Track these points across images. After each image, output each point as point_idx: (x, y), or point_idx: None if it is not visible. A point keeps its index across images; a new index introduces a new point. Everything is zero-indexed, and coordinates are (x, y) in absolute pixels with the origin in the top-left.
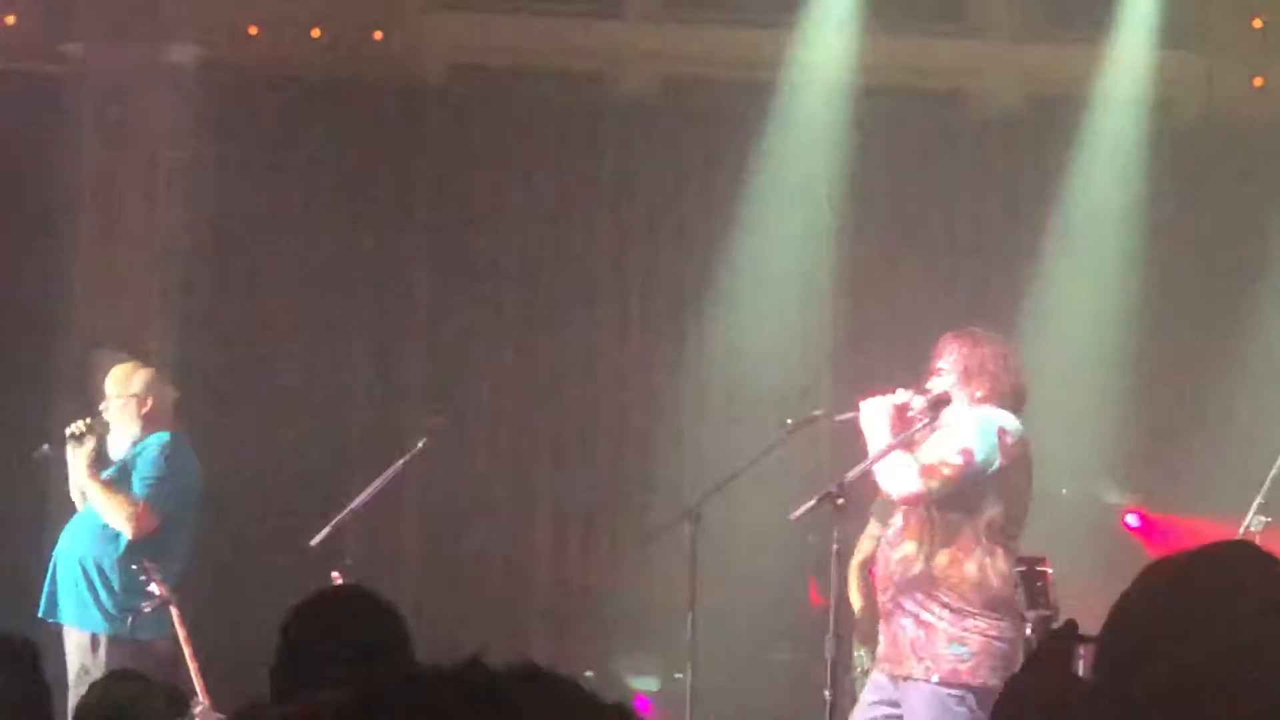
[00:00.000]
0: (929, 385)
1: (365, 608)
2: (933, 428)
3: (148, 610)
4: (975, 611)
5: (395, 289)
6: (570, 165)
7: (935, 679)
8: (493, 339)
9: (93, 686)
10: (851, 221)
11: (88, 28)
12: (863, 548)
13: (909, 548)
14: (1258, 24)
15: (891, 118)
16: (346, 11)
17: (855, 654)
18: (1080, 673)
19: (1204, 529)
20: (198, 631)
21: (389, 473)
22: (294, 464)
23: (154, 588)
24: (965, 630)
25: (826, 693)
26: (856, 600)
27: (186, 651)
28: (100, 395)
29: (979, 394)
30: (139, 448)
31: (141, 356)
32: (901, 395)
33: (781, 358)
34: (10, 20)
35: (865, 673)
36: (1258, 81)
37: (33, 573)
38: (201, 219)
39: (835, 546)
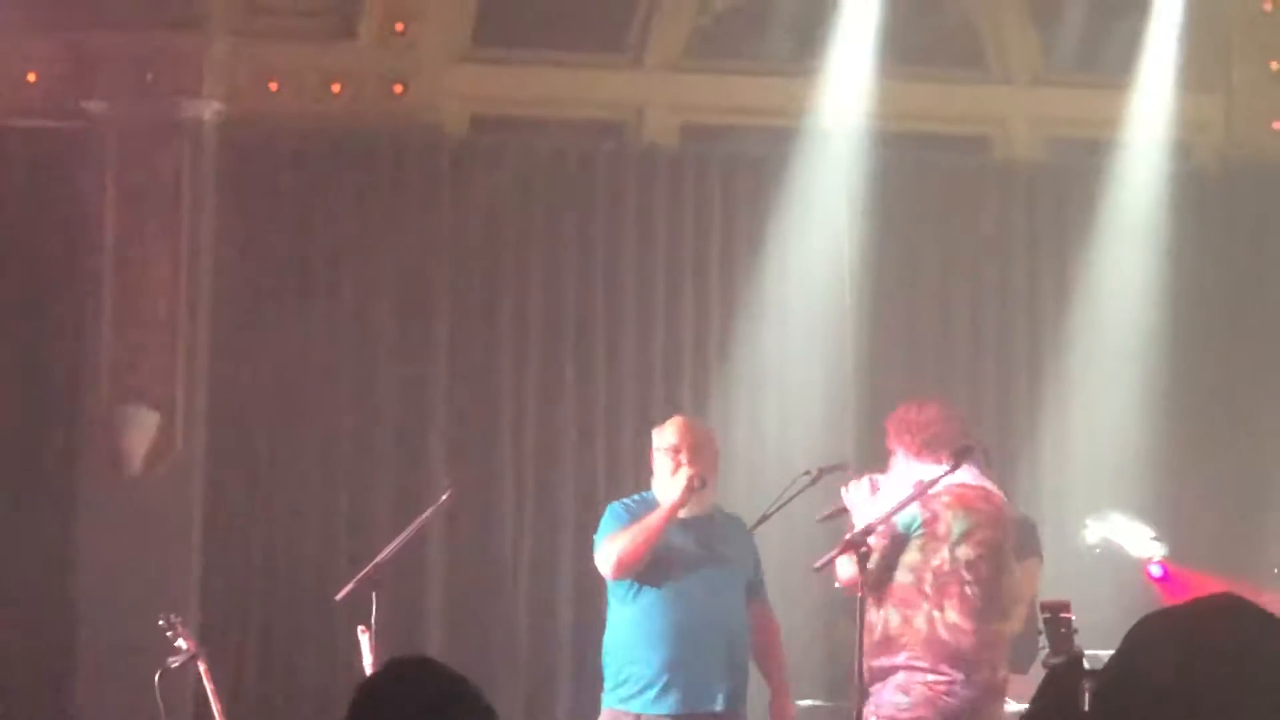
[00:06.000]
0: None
1: (424, 676)
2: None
3: (175, 666)
4: (927, 668)
5: (418, 342)
6: (592, 214)
7: None
8: (516, 392)
9: None
10: (873, 268)
11: (109, 84)
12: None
13: (871, 615)
14: (1275, 67)
15: (913, 164)
16: (367, 65)
17: None
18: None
19: (1224, 586)
20: (225, 686)
21: (413, 527)
22: (320, 518)
23: (182, 642)
24: (912, 683)
25: None
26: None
27: (215, 708)
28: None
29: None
30: (727, 517)
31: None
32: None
33: (805, 404)
34: (31, 78)
35: None
36: (1276, 124)
37: (57, 651)
38: (224, 274)
39: (860, 594)
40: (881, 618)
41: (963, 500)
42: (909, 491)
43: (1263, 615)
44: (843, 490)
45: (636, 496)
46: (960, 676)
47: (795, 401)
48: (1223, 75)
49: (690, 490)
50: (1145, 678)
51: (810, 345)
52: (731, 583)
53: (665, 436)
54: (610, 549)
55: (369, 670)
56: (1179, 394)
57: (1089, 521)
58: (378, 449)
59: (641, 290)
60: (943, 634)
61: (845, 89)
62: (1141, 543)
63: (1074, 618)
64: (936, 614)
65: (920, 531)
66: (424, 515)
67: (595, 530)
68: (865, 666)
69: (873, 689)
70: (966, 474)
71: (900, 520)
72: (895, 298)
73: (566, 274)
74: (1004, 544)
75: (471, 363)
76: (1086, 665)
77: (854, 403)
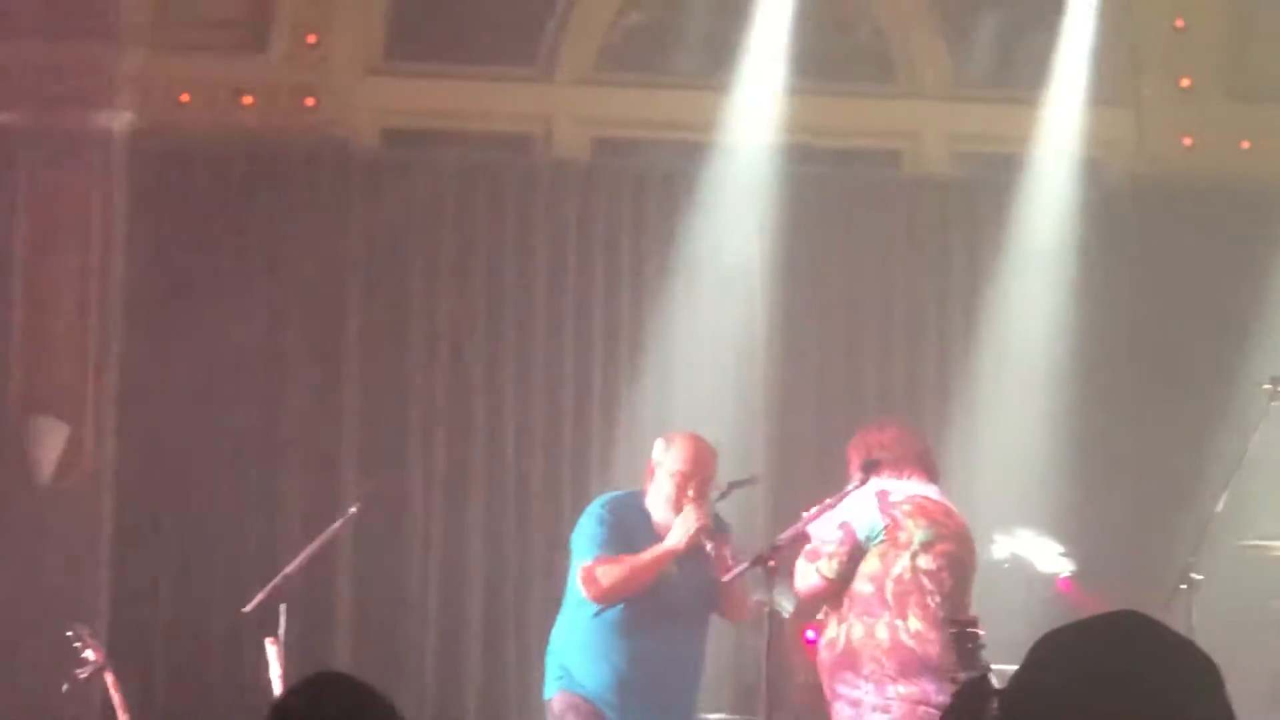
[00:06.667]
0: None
1: (346, 696)
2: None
3: (82, 677)
4: (893, 677)
5: (328, 354)
6: (502, 228)
7: None
8: (425, 405)
9: None
10: (784, 281)
11: (18, 95)
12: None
13: (832, 629)
14: (1186, 83)
15: (824, 178)
16: (278, 78)
17: None
18: None
19: (1129, 602)
20: (134, 697)
21: (322, 538)
22: (229, 530)
23: (90, 653)
24: (888, 699)
25: None
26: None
27: (123, 719)
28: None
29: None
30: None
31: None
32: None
33: (715, 419)
34: None
35: None
36: (1187, 141)
37: None
38: (135, 286)
39: (767, 609)
40: (844, 631)
41: (924, 511)
42: (867, 506)
43: (1163, 632)
44: (804, 513)
45: (622, 494)
46: (932, 687)
47: (705, 416)
48: (1133, 91)
49: (695, 541)
50: (1044, 695)
51: (720, 359)
52: (698, 606)
53: (674, 458)
54: (597, 580)
55: (277, 682)
56: (1087, 410)
57: (997, 537)
58: (287, 460)
59: (551, 303)
60: (908, 642)
61: (756, 103)
62: (1049, 559)
63: (982, 633)
64: (899, 623)
65: (881, 539)
66: (333, 527)
67: (509, 535)
68: (826, 685)
69: (839, 711)
70: (931, 489)
71: (861, 530)
72: (805, 311)
73: (476, 287)
74: (967, 561)
75: (381, 375)
76: (994, 681)
77: (764, 417)
